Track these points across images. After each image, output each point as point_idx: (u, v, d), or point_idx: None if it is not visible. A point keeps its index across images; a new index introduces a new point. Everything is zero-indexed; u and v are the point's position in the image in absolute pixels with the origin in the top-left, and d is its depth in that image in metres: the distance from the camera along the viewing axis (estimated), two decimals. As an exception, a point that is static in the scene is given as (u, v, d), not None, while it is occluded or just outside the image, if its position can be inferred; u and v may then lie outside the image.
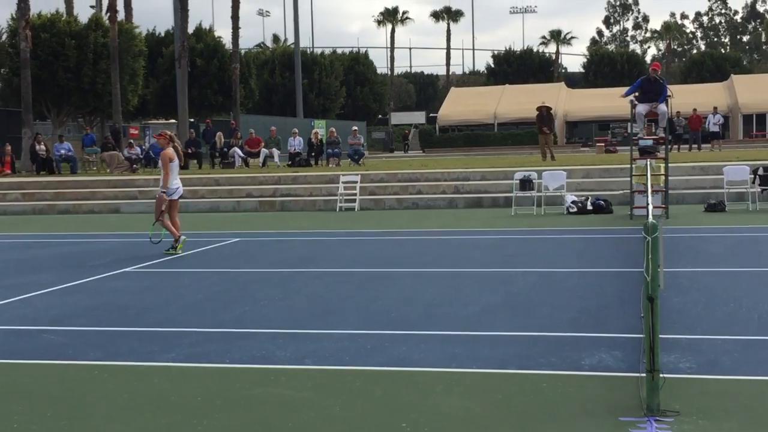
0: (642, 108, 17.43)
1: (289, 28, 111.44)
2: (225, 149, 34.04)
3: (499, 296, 9.13)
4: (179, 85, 41.96)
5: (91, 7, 52.94)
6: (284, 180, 25.00)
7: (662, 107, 17.47)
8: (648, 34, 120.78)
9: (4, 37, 42.00)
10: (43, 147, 33.22)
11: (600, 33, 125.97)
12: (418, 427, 4.94)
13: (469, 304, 8.60)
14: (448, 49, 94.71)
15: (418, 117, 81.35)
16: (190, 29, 46.84)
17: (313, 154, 33.60)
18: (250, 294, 9.64)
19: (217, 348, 7.01)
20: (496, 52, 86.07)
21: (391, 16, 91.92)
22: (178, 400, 5.60)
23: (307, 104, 60.84)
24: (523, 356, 6.45)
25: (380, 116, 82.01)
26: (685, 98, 41.93)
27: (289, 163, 32.93)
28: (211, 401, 5.53)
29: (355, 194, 22.09)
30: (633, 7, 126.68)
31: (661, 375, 5.00)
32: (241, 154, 33.21)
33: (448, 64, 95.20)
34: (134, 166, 32.25)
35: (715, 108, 42.91)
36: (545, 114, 29.35)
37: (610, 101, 44.08)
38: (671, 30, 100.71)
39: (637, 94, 17.62)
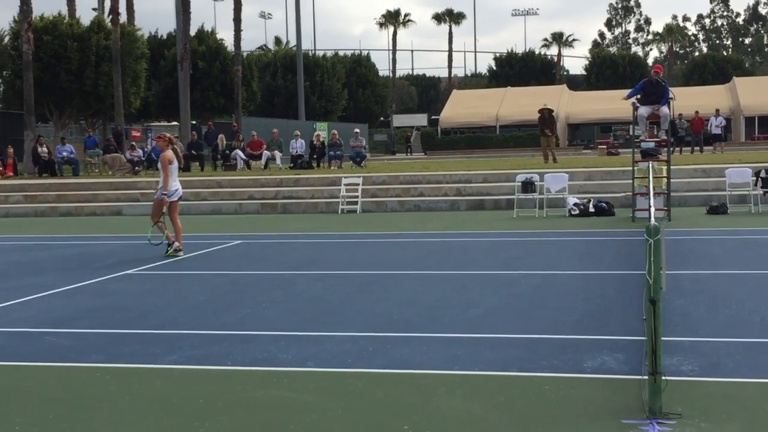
0: (644, 110, 17.42)
1: (291, 30, 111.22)
2: (227, 151, 34.07)
3: (501, 298, 9.12)
4: (181, 88, 42.00)
5: (94, 9, 53.06)
6: (286, 182, 25.00)
7: (664, 109, 17.46)
8: (650, 37, 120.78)
9: (7, 39, 42.07)
10: (45, 149, 33.25)
11: (602, 35, 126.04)
12: (420, 430, 4.94)
13: (471, 307, 8.60)
14: (450, 51, 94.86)
15: (420, 119, 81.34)
16: (192, 31, 46.90)
17: (314, 156, 33.62)
18: (252, 296, 9.64)
19: (219, 350, 7.01)
20: (498, 54, 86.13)
21: (393, 19, 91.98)
22: (180, 403, 5.60)
23: (309, 106, 60.86)
24: (526, 358, 6.45)
25: (382, 118, 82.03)
26: (687, 100, 41.94)
27: (291, 165, 32.96)
28: (213, 403, 5.53)
29: (356, 196, 22.10)
30: (635, 10, 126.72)
31: (663, 377, 5.00)
32: (243, 157, 33.23)
33: (450, 66, 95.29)
34: (136, 168, 32.26)
35: (717, 110, 42.89)
36: (547, 116, 29.34)
37: (612, 103, 44.04)
38: (673, 32, 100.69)
39: (639, 96, 17.61)
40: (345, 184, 22.37)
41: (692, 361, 6.23)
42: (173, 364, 6.62)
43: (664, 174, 17.10)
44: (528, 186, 19.53)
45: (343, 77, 68.93)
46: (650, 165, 15.67)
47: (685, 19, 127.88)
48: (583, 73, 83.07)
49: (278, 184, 25.02)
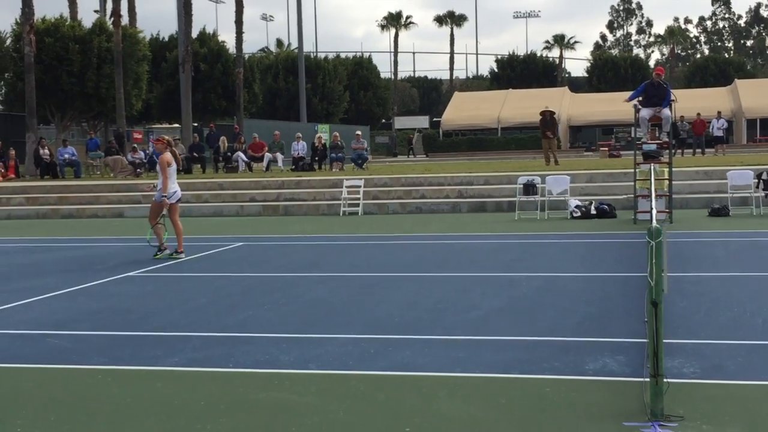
0: (646, 112, 17.41)
1: (292, 32, 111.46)
2: (229, 154, 34.07)
3: (503, 301, 9.12)
4: (183, 90, 42.01)
5: (95, 11, 53.09)
6: (288, 184, 25.01)
7: (666, 112, 17.45)
8: (652, 39, 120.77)
9: (9, 41, 42.08)
10: (47, 151, 33.28)
11: (604, 37, 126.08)
12: (422, 432, 4.94)
13: (473, 309, 8.60)
14: (452, 53, 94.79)
15: (422, 121, 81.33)
16: (194, 34, 46.91)
17: (316, 158, 33.62)
18: (254, 298, 9.64)
19: (220, 352, 7.01)
20: (499, 56, 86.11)
21: (394, 21, 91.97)
22: (181, 405, 5.60)
23: (310, 109, 60.86)
24: (527, 361, 6.45)
25: (384, 121, 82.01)
26: (689, 103, 41.88)
27: (293, 167, 32.96)
28: (214, 405, 5.53)
29: (358, 198, 22.10)
30: (637, 12, 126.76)
31: (665, 380, 5.00)
32: (245, 159, 33.23)
33: (451, 68, 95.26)
34: (138, 170, 32.27)
35: (719, 112, 42.85)
36: (549, 118, 29.35)
37: (614, 106, 43.98)
38: (675, 34, 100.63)
39: (640, 98, 17.60)
40: (346, 186, 22.37)
41: (694, 363, 6.22)
42: (175, 366, 6.62)
43: (666, 176, 17.09)
44: (529, 188, 19.53)
45: (344, 79, 68.94)
46: (652, 167, 15.68)
47: (687, 21, 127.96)
48: (585, 75, 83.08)
49: (280, 186, 25.02)
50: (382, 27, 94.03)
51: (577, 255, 13.00)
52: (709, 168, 23.21)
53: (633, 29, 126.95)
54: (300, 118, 56.30)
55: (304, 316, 8.48)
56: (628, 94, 19.01)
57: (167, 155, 13.52)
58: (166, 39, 54.87)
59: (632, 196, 17.64)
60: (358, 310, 8.78)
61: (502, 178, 23.57)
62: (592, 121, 59.68)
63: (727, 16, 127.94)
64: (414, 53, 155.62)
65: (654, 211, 8.99)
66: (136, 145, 35.85)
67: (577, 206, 18.77)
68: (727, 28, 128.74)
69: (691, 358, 6.34)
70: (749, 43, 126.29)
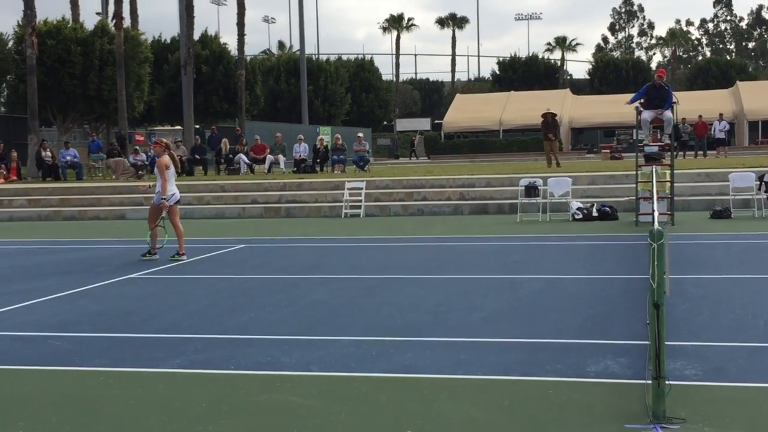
0: (647, 114, 17.41)
1: (294, 34, 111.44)
2: (230, 156, 34.08)
3: (505, 303, 9.12)
4: (185, 92, 42.06)
5: (97, 14, 53.10)
6: (289, 186, 25.01)
7: (668, 114, 17.45)
8: (653, 41, 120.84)
9: (11, 43, 42.12)
10: (48, 153, 33.29)
11: (605, 40, 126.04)
12: (424, 434, 4.94)
13: (475, 311, 8.60)
14: (454, 55, 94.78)
15: (424, 123, 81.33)
16: (196, 36, 46.98)
17: (318, 160, 33.62)
18: (256, 300, 9.65)
19: (222, 354, 7.01)
20: (501, 58, 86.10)
21: (396, 23, 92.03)
22: (183, 407, 5.60)
23: (312, 111, 60.90)
24: (529, 363, 6.44)
25: (385, 123, 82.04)
26: (691, 105, 41.87)
27: (295, 169, 32.97)
28: (216, 407, 5.53)
29: (360, 201, 22.09)
30: (638, 14, 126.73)
31: (666, 382, 5.00)
32: (247, 161, 33.24)
33: (453, 70, 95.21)
34: (140, 172, 32.28)
35: (721, 114, 42.82)
36: (550, 120, 29.33)
37: (616, 108, 43.97)
38: (676, 37, 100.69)
39: (642, 100, 17.60)
40: (348, 189, 22.37)
41: (696, 365, 6.22)
42: (176, 368, 6.63)
43: (668, 178, 17.09)
44: (531, 190, 19.52)
45: (346, 81, 68.99)
46: (654, 169, 15.69)
47: (689, 23, 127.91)
48: (587, 77, 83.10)
49: (281, 188, 25.03)
50: (384, 29, 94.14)
51: (579, 257, 12.99)
52: (710, 170, 23.20)
53: (635, 31, 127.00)
54: (302, 120, 56.33)
55: (305, 318, 8.48)
56: (629, 96, 19.00)
57: (165, 158, 13.61)
58: (168, 41, 54.93)
59: (634, 198, 17.63)
60: (360, 312, 8.78)
61: (504, 180, 23.57)
62: (594, 123, 59.67)
63: (728, 18, 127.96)
64: (416, 55, 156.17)
65: (656, 213, 9.01)
66: (138, 147, 35.88)
67: (578, 208, 18.76)
68: (729, 30, 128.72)
69: (693, 360, 6.34)
70: (751, 45, 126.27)
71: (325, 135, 42.97)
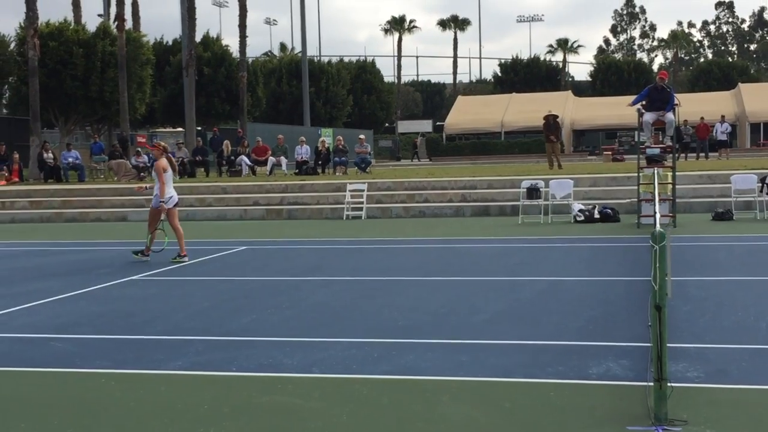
0: (649, 116, 17.41)
1: (296, 36, 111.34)
2: (232, 157, 34.08)
3: (506, 304, 9.11)
4: (186, 94, 42.06)
5: (99, 15, 53.18)
6: (291, 188, 25.02)
7: (669, 116, 17.45)
8: (655, 43, 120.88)
9: (13, 45, 42.11)
10: (50, 155, 33.30)
11: (607, 41, 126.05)
12: (425, 436, 4.93)
13: (476, 313, 8.59)
14: (455, 57, 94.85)
15: (425, 125, 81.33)
16: (198, 38, 47.00)
17: (320, 162, 33.62)
18: (257, 302, 9.64)
19: (223, 356, 7.01)
20: (502, 60, 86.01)
21: (398, 25, 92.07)
22: (184, 408, 5.60)
23: (314, 112, 60.88)
24: (531, 365, 6.44)
25: (387, 125, 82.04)
26: (693, 107, 41.86)
27: (296, 171, 32.97)
28: (217, 409, 5.53)
29: (361, 202, 22.09)
30: (640, 16, 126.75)
31: (668, 384, 4.99)
32: (248, 163, 33.25)
33: (455, 72, 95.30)
34: (141, 174, 32.29)
35: (723, 116, 42.83)
36: (552, 122, 29.32)
37: (617, 110, 43.99)
38: (678, 38, 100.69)
39: (644, 102, 17.61)
40: (350, 190, 22.37)
41: (698, 367, 6.21)
42: (178, 369, 6.62)
43: (670, 180, 17.08)
44: (533, 192, 19.52)
45: (348, 83, 68.98)
46: (655, 171, 15.68)
47: (690, 25, 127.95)
48: (588, 79, 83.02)
49: (283, 190, 25.03)
50: (386, 31, 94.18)
51: (581, 259, 12.99)
52: (712, 172, 23.19)
53: (636, 33, 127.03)
54: (303, 122, 56.32)
55: (307, 320, 8.48)
56: (631, 98, 19.01)
57: (163, 161, 13.66)
58: (170, 43, 54.93)
59: (636, 200, 17.63)
60: (362, 313, 8.78)
61: (506, 182, 23.57)
62: (596, 125, 59.65)
63: (730, 20, 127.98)
64: (417, 57, 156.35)
65: (657, 215, 8.99)
66: (139, 149, 35.88)
67: (580, 210, 18.76)
68: (731, 32, 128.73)
69: (695, 363, 6.33)
70: (753, 47, 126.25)
71: (327, 137, 42.96)
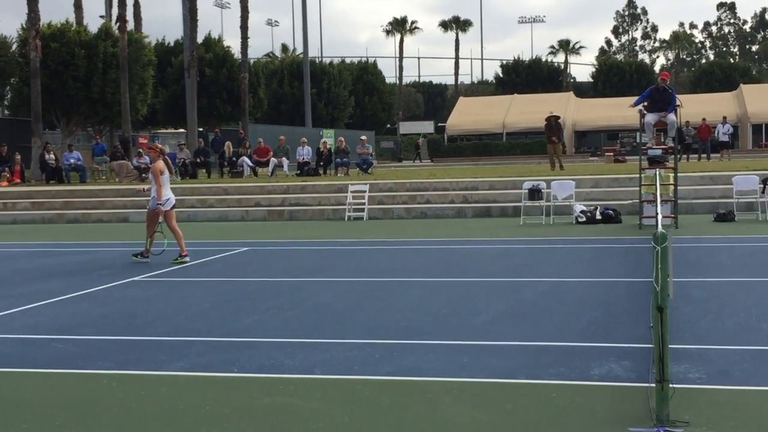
0: (651, 117, 17.40)
1: (297, 37, 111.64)
2: (234, 158, 34.07)
3: (508, 306, 9.11)
4: (188, 95, 42.08)
5: (101, 16, 53.21)
6: (293, 189, 25.02)
7: (671, 117, 17.44)
8: (657, 44, 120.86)
9: (14, 46, 42.15)
10: (52, 156, 33.31)
11: (609, 43, 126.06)
12: (427, 437, 4.93)
13: (478, 314, 8.59)
14: (457, 58, 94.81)
15: (427, 126, 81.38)
16: (200, 39, 47.00)
17: (321, 163, 33.63)
18: (259, 303, 9.64)
19: (225, 357, 7.01)
20: (504, 61, 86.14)
21: (399, 26, 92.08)
22: (186, 409, 5.60)
23: (315, 113, 60.92)
24: (532, 366, 6.43)
25: (389, 126, 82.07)
26: (695, 108, 41.88)
27: (298, 172, 32.97)
28: (219, 410, 5.53)
29: (363, 204, 22.09)
30: (642, 17, 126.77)
31: (670, 385, 4.98)
32: (250, 164, 33.25)
33: (456, 73, 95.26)
34: (143, 175, 32.29)
35: (725, 117, 42.83)
36: (554, 123, 29.32)
37: (619, 111, 43.98)
38: (680, 40, 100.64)
39: (646, 103, 17.59)
40: (352, 191, 22.37)
41: (700, 368, 6.21)
42: (179, 370, 6.62)
43: (671, 181, 17.07)
44: (535, 193, 19.51)
45: (349, 84, 69.03)
46: (657, 172, 15.66)
47: (692, 26, 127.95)
48: (590, 80, 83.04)
49: (285, 191, 25.03)
50: (388, 32, 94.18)
51: (583, 260, 12.98)
52: (714, 173, 23.17)
53: (638, 34, 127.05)
54: (305, 123, 56.36)
55: (309, 321, 8.48)
56: (633, 99, 19.00)
57: (160, 163, 13.72)
58: (172, 44, 54.98)
59: (637, 201, 17.61)
60: (363, 315, 8.77)
61: (507, 183, 23.57)
62: (598, 126, 59.67)
63: (732, 21, 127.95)
64: (419, 58, 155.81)
65: (659, 217, 8.99)
66: (141, 150, 35.89)
67: (582, 211, 18.75)
68: (733, 33, 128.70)
69: (697, 364, 6.33)
70: (754, 48, 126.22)
71: (329, 138, 42.99)
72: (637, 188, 17.65)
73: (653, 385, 5.09)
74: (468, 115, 61.64)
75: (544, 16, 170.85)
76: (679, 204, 17.58)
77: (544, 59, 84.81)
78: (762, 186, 18.71)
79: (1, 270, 13.59)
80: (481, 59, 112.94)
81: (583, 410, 5.34)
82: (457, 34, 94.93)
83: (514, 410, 5.40)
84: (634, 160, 25.22)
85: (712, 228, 16.93)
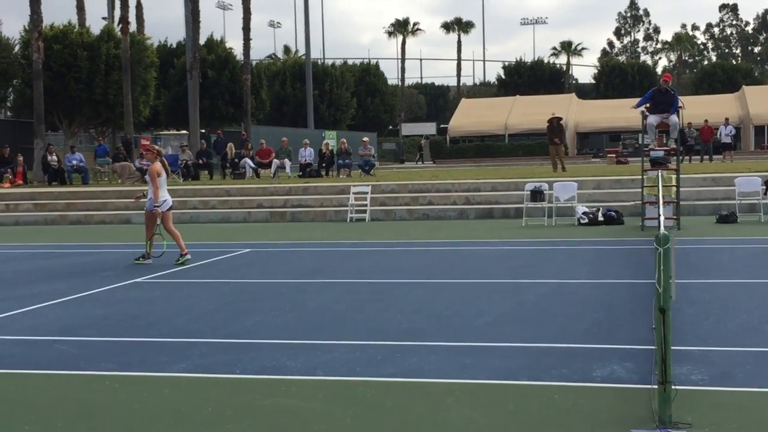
0: (653, 119, 17.39)
1: (300, 39, 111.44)
2: (236, 160, 34.12)
3: (510, 307, 9.11)
4: (190, 96, 42.11)
5: (103, 18, 53.32)
6: (295, 191, 25.03)
7: (673, 118, 17.43)
8: (659, 46, 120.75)
9: (17, 48, 42.20)
10: (54, 158, 33.35)
11: (611, 44, 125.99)
12: (429, 439, 4.93)
13: (480, 315, 8.58)
14: (459, 60, 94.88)
15: (429, 128, 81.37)
16: (202, 40, 47.04)
17: (323, 164, 33.64)
18: (261, 304, 9.64)
19: (227, 358, 7.01)
20: (506, 63, 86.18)
21: (401, 28, 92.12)
22: (188, 411, 5.60)
23: (317, 115, 60.96)
24: (535, 367, 6.43)
25: (391, 127, 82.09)
26: (697, 109, 41.88)
27: (300, 173, 32.99)
28: (221, 412, 5.53)
29: (365, 205, 22.10)
30: (644, 19, 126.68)
31: (673, 387, 4.98)
32: (252, 165, 33.27)
33: (458, 75, 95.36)
34: (145, 176, 32.31)
35: (727, 119, 42.82)
36: (556, 125, 29.32)
37: (621, 112, 44.05)
38: (682, 41, 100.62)
39: (648, 105, 17.57)
40: (354, 193, 22.38)
41: (702, 370, 6.20)
42: (182, 372, 6.62)
43: (674, 183, 17.06)
44: (537, 195, 19.50)
45: (351, 86, 69.05)
46: (659, 174, 15.64)
47: (694, 27, 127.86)
48: (592, 81, 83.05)
49: (287, 192, 25.04)
50: (390, 34, 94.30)
51: (585, 261, 12.97)
52: (716, 175, 23.15)
53: (640, 36, 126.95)
54: (307, 125, 56.40)
55: (311, 323, 8.48)
56: (635, 100, 18.98)
57: (157, 165, 13.76)
58: (174, 46, 55.05)
59: (640, 202, 17.60)
60: (365, 316, 8.77)
61: (510, 184, 23.56)
62: (600, 128, 59.67)
63: (734, 22, 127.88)
64: (421, 60, 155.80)
65: (662, 218, 8.98)
66: (143, 152, 35.90)
67: (584, 213, 18.74)
68: (735, 35, 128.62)
69: (699, 365, 6.32)
70: (757, 49, 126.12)
71: (331, 139, 42.99)
72: (640, 190, 17.64)
73: (656, 386, 5.08)
74: (470, 117, 61.65)
75: (546, 18, 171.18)
76: (682, 205, 17.56)
77: (546, 61, 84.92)
78: (764, 187, 18.69)
79: (4, 271, 13.60)
80: (483, 61, 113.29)
81: (586, 412, 5.34)
82: (459, 36, 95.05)
83: (516, 411, 5.39)
84: (637, 161, 25.25)
85: (715, 229, 16.92)
